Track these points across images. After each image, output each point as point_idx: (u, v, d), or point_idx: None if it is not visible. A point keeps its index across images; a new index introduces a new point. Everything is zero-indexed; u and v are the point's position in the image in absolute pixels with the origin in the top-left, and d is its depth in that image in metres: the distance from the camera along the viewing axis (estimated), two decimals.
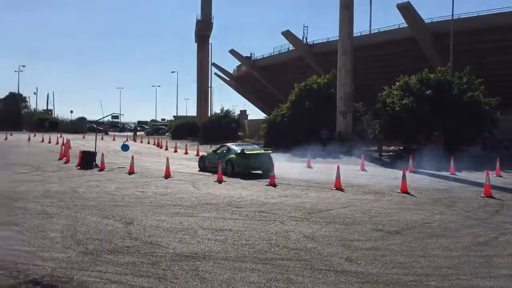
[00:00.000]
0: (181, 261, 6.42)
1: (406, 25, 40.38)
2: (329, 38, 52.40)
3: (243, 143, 23.82)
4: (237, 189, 14.16)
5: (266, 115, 49.56)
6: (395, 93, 28.54)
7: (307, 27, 64.16)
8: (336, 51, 36.08)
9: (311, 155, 24.24)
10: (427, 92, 26.88)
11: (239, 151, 18.30)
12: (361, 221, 9.49)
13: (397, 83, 29.22)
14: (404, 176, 14.18)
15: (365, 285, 5.65)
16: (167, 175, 16.95)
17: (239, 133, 53.22)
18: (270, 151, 20.10)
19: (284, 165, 20.83)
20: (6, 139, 40.63)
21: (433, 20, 39.89)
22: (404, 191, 13.79)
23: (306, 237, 8.03)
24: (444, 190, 14.38)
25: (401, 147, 29.86)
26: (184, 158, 27.61)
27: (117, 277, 5.68)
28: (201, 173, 18.66)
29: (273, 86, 67.66)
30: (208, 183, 15.33)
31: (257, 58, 69.96)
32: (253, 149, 19.70)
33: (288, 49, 60.90)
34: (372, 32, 49.22)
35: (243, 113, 59.89)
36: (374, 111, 31.66)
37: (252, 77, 73.25)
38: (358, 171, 20.69)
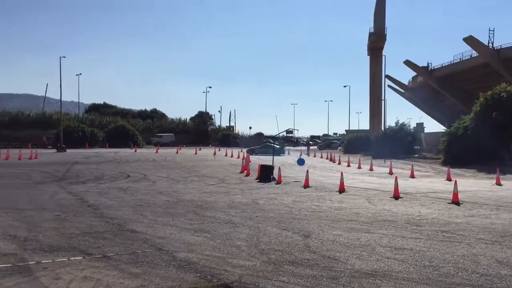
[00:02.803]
0: (360, 278, 6.35)
1: None
2: None
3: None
4: (416, 206, 13.46)
5: (445, 128, 46.27)
6: None
7: (493, 30, 58.13)
8: None
9: (500, 171, 21.86)
10: None
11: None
12: None
13: None
14: None
15: None
16: (342, 190, 16.94)
17: (416, 147, 50.62)
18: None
19: (469, 182, 19.19)
20: (196, 153, 45.51)
21: None
22: None
23: (499, 263, 7.24)
24: None
25: None
26: (357, 173, 27.30)
27: None
28: (376, 188, 18.20)
29: (453, 97, 63.23)
30: (383, 199, 14.89)
31: (434, 67, 66.19)
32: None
33: (470, 55, 56.46)
34: None
35: (420, 126, 56.75)
36: None
37: (429, 88, 69.56)
38: None
